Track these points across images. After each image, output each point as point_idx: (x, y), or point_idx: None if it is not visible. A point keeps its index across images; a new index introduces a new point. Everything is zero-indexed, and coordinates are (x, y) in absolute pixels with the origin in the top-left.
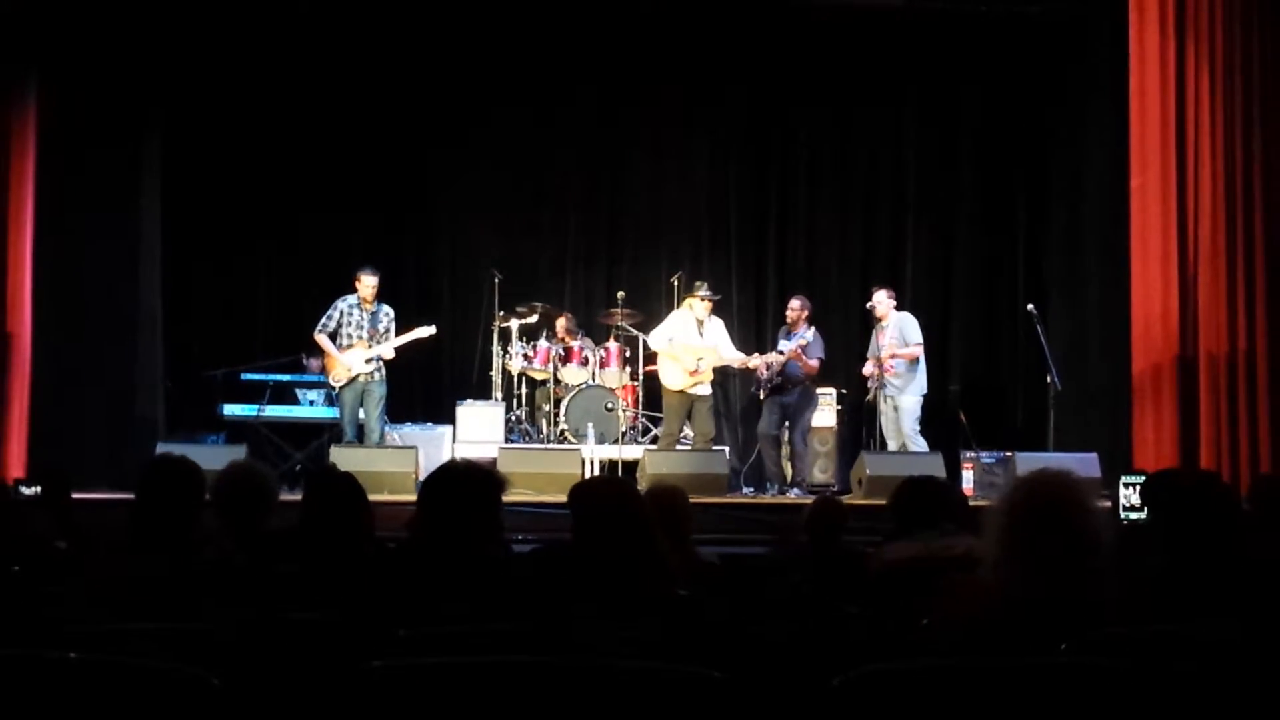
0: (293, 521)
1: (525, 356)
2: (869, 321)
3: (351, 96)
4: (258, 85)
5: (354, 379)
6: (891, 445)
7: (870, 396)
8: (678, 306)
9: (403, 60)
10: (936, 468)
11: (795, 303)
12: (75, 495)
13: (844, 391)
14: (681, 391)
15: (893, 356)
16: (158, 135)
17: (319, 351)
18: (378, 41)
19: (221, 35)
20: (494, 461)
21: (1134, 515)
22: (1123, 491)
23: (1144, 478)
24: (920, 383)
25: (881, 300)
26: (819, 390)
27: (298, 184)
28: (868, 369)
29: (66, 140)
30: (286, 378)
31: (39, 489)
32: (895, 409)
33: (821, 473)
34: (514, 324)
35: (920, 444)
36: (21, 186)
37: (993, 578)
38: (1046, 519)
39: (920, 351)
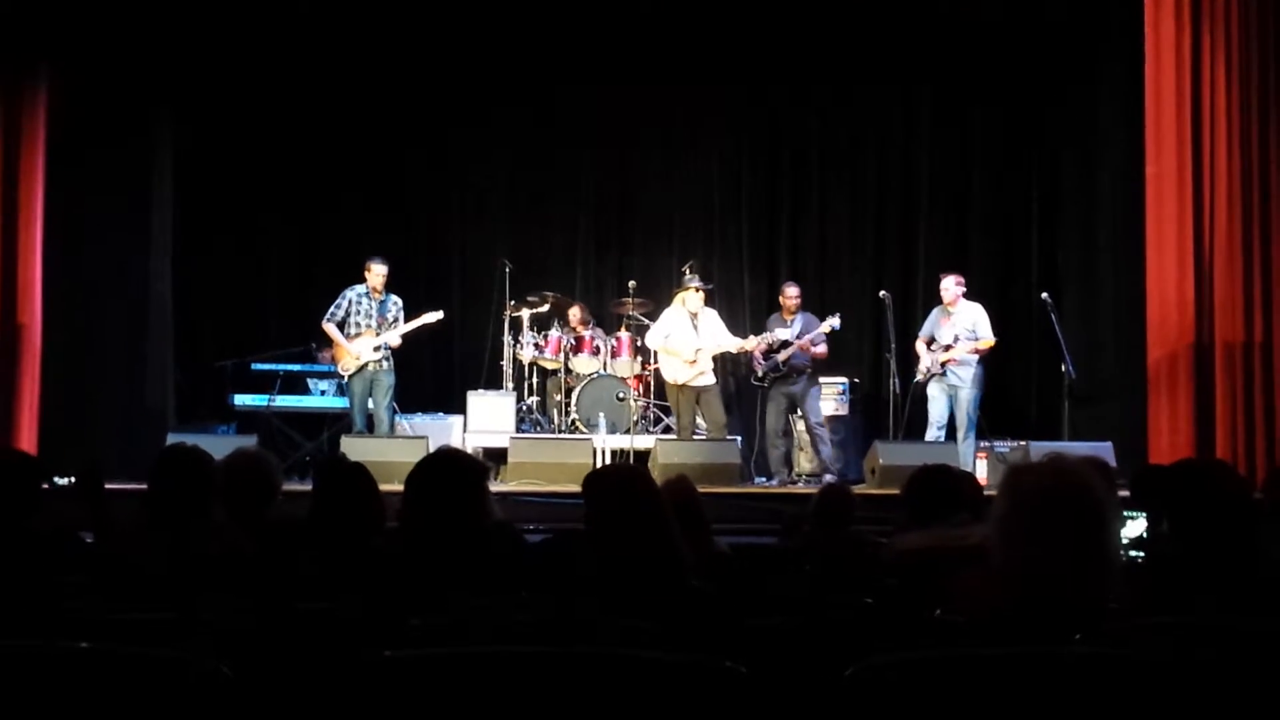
0: (303, 511)
1: (536, 346)
2: (881, 309)
3: (362, 87)
4: (268, 75)
5: (362, 368)
6: (931, 434)
7: (922, 379)
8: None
9: (412, 53)
10: (951, 457)
11: (793, 290)
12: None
13: (856, 381)
14: (685, 385)
15: (974, 352)
16: (168, 127)
17: (329, 341)
18: (389, 35)
19: (232, 29)
20: (482, 451)
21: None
22: None
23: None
24: (981, 375)
25: (950, 287)
26: (827, 379)
27: (307, 174)
28: (924, 356)
29: (77, 132)
30: (297, 368)
31: (72, 479)
32: (954, 400)
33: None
34: (525, 314)
35: (972, 437)
36: (32, 178)
37: (997, 566)
38: (1050, 505)
39: (994, 342)
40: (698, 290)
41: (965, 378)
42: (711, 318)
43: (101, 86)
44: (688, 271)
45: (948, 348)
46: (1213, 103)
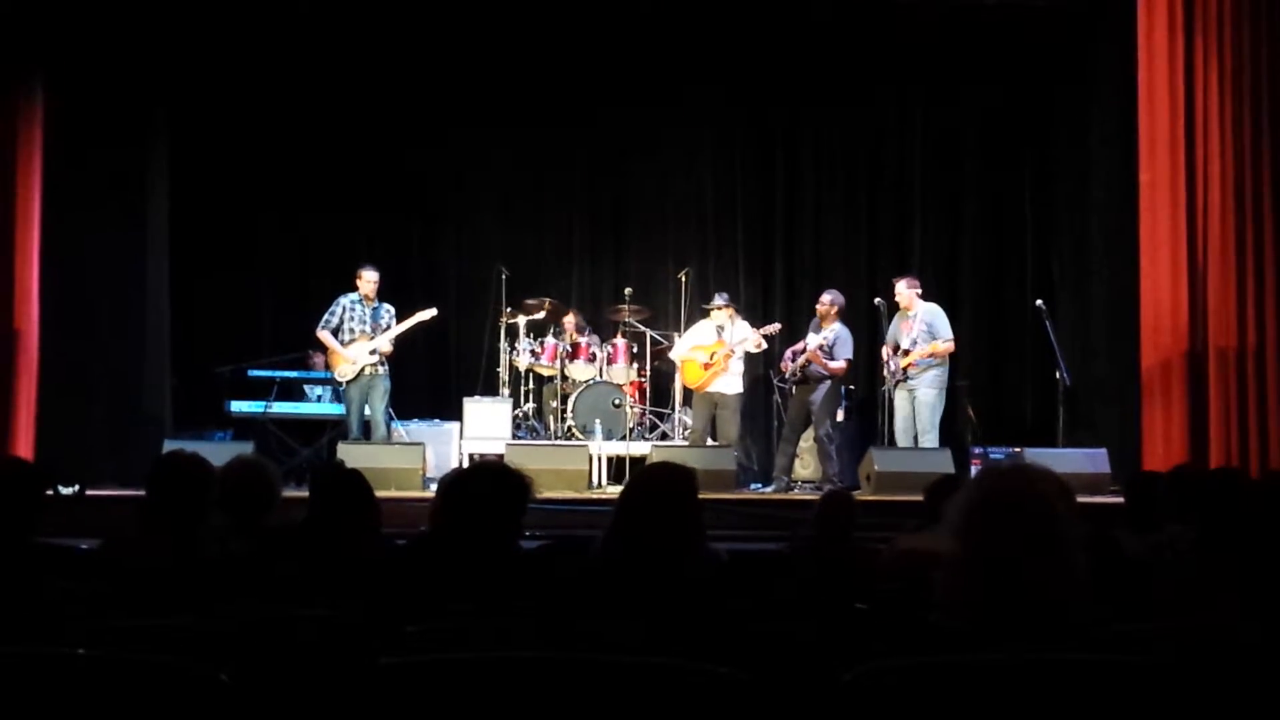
0: (300, 518)
1: (532, 353)
2: (876, 315)
3: (357, 95)
4: (264, 83)
5: (359, 374)
6: (902, 441)
7: (887, 387)
8: (685, 305)
9: (407, 58)
10: (945, 464)
11: (826, 297)
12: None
13: (851, 387)
14: (702, 390)
15: (931, 354)
16: (164, 133)
17: (323, 347)
18: (383, 40)
19: (227, 34)
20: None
21: None
22: None
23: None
24: (944, 376)
25: (902, 291)
26: None
27: (304, 181)
28: (887, 357)
29: (73, 138)
30: (294, 374)
31: (76, 487)
32: (914, 402)
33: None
34: (521, 320)
35: (934, 440)
36: (29, 184)
37: (952, 574)
38: (1000, 514)
39: (953, 346)
40: (720, 308)
41: (923, 380)
42: (741, 326)
43: (98, 92)
44: (685, 278)
45: (907, 352)
46: (1206, 108)
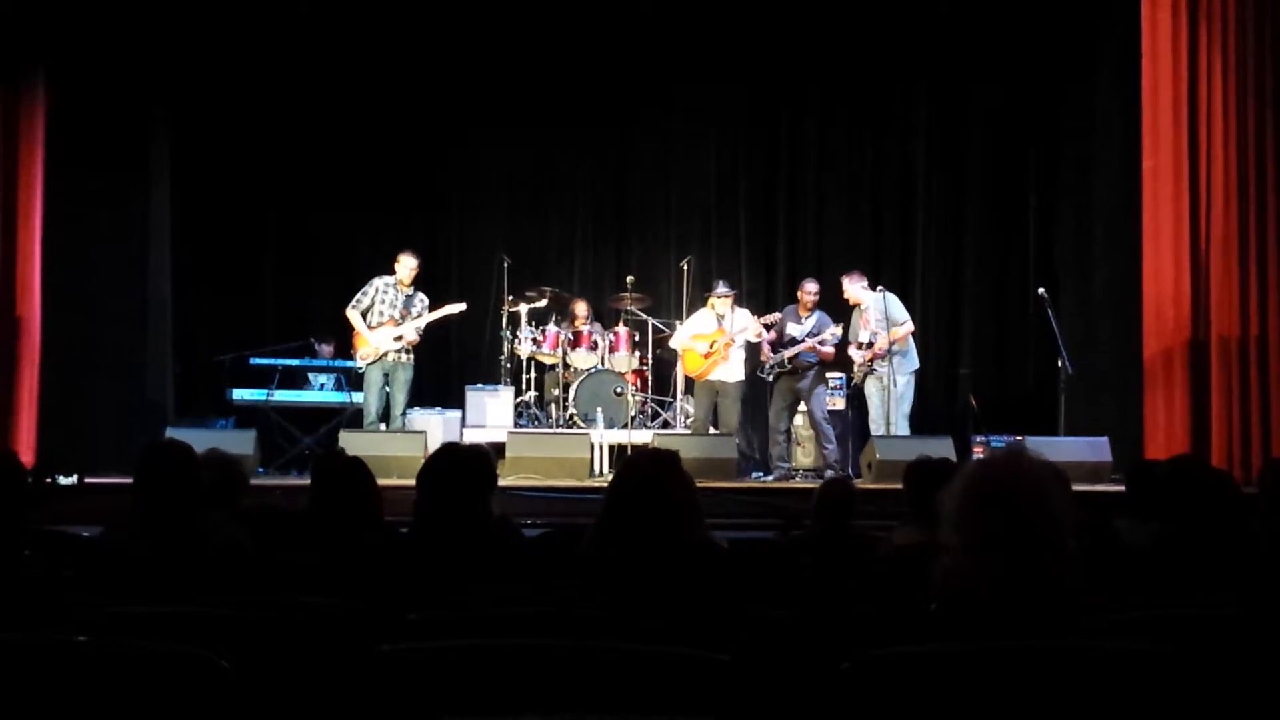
0: (302, 506)
1: (534, 341)
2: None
3: (359, 83)
4: (265, 72)
5: (381, 357)
6: (877, 431)
7: (857, 381)
8: (687, 294)
9: (408, 46)
10: (945, 450)
11: (812, 286)
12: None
13: (850, 375)
14: (703, 378)
15: (892, 342)
16: (167, 122)
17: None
18: (385, 33)
19: (228, 29)
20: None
21: None
22: None
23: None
24: (912, 360)
25: (849, 288)
26: (829, 375)
27: (306, 169)
28: (856, 357)
29: (76, 128)
30: (295, 362)
31: (76, 477)
32: (887, 389)
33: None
34: (523, 308)
35: (905, 427)
36: (31, 173)
37: (949, 564)
38: (995, 503)
39: (911, 327)
40: (723, 297)
41: (895, 367)
42: (742, 317)
43: (101, 82)
44: (686, 266)
45: (870, 345)
46: (1209, 97)
